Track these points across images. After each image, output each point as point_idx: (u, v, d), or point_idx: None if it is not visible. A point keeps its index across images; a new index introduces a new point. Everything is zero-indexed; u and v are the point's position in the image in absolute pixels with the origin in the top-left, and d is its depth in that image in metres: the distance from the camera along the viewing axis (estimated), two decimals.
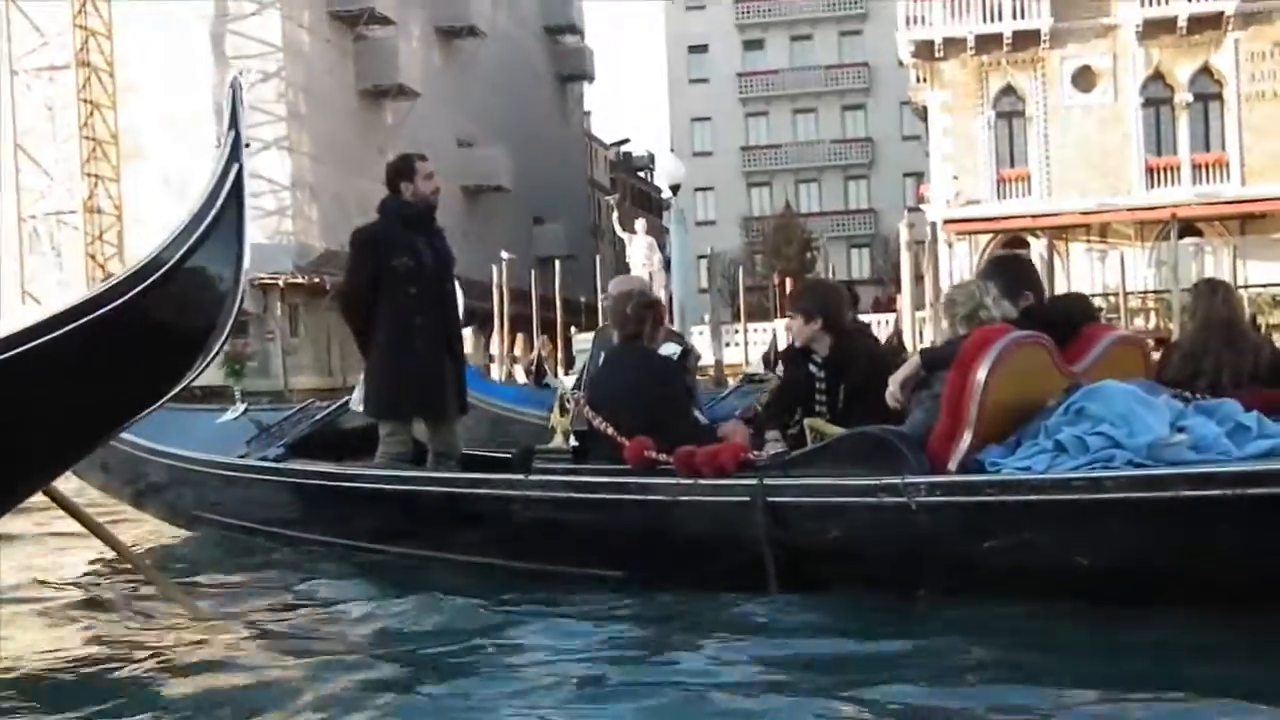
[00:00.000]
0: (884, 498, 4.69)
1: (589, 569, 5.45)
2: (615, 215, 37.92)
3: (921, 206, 40.70)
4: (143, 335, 4.26)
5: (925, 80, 38.18)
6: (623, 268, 35.37)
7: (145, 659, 4.58)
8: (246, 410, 8.01)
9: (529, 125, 55.78)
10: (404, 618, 5.04)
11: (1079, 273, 35.39)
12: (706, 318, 33.39)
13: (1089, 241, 36.42)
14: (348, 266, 6.86)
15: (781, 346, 13.03)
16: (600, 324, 31.16)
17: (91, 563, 6.83)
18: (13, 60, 36.36)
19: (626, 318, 5.96)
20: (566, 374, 20.67)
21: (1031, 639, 4.29)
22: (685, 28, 62.82)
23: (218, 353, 4.54)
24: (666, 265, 34.81)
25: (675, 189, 23.95)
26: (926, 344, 16.93)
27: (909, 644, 4.31)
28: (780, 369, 7.07)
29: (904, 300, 30.60)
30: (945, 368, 4.90)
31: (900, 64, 43.36)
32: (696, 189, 55.00)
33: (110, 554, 5.83)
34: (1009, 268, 6.14)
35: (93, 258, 35.94)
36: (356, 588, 5.64)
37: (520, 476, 5.63)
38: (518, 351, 24.74)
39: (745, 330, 37.09)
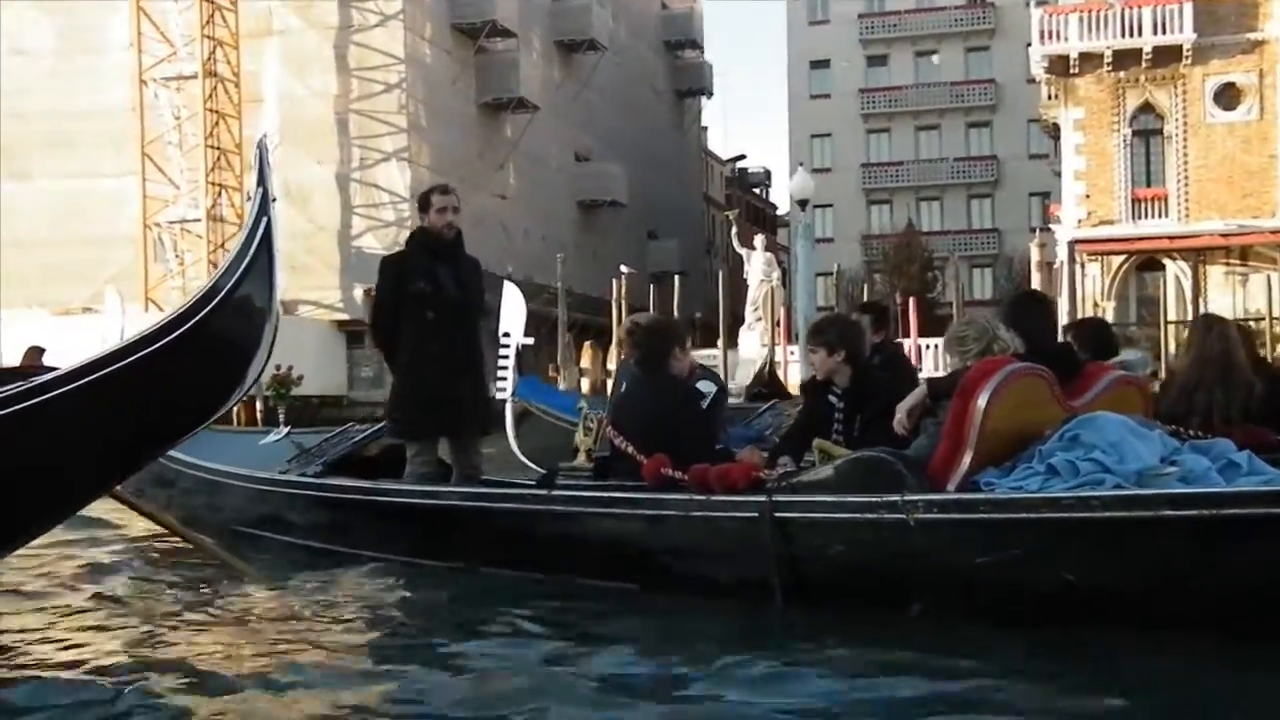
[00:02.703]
0: (884, 514, 4.95)
1: (606, 580, 5.75)
2: (734, 230, 37.47)
3: (1051, 226, 39.44)
4: (211, 350, 4.84)
5: (1058, 97, 36.97)
6: (739, 283, 34.88)
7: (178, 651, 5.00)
8: (289, 433, 8.50)
9: (646, 140, 55.48)
10: (423, 622, 5.44)
11: (1218, 296, 33.92)
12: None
13: (1228, 264, 34.93)
14: (375, 293, 7.22)
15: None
16: (719, 340, 30.66)
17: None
18: (142, 69, 36.88)
19: (635, 345, 6.55)
20: None
21: (1022, 663, 4.41)
22: (807, 43, 62.12)
23: (263, 369, 5.11)
24: (783, 281, 34.18)
25: (804, 204, 23.26)
26: None
27: (905, 660, 4.44)
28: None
29: None
30: (950, 397, 5.11)
31: (1030, 80, 42.16)
32: (815, 205, 53.92)
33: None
34: (1026, 306, 6.38)
35: (214, 265, 36.19)
36: (385, 596, 5.95)
37: (545, 492, 6.02)
38: None
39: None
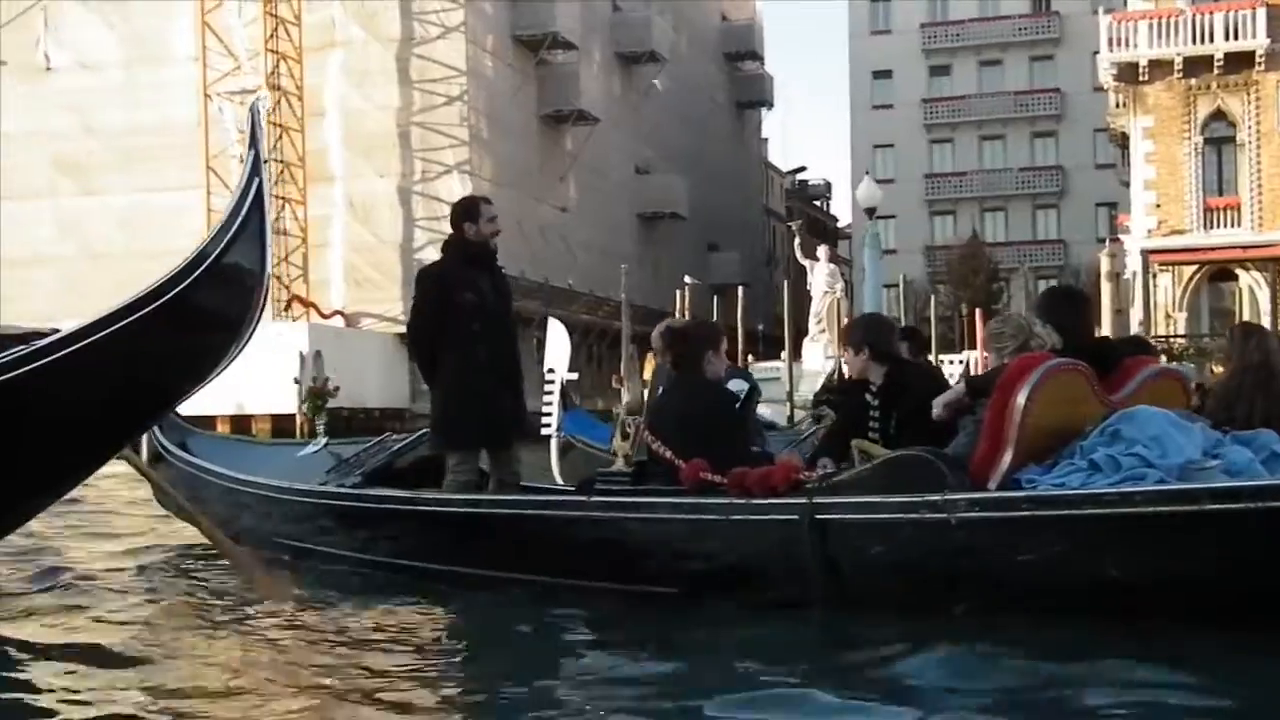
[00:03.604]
0: (925, 514, 4.94)
1: (645, 586, 5.68)
2: (797, 242, 37.08)
3: (1120, 236, 38.77)
4: (198, 316, 4.92)
5: (1126, 105, 36.32)
6: (802, 295, 34.50)
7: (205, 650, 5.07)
8: (327, 444, 8.50)
9: (706, 152, 55.27)
10: (461, 630, 5.54)
11: None
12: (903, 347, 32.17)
13: None
14: (414, 303, 7.14)
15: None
16: (783, 352, 30.28)
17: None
18: (206, 84, 37.17)
19: (668, 347, 6.66)
20: None
21: (1067, 663, 4.32)
22: (870, 52, 61.72)
23: (251, 335, 5.15)
24: (846, 292, 33.73)
25: (871, 212, 22.97)
26: None
27: (945, 667, 4.37)
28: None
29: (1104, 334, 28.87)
30: (989, 395, 5.09)
31: (1097, 89, 41.49)
32: (877, 216, 53.79)
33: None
34: (1062, 301, 6.32)
35: (278, 279, 36.29)
36: (426, 606, 5.97)
37: (583, 498, 6.03)
38: None
39: (937, 361, 35.55)
